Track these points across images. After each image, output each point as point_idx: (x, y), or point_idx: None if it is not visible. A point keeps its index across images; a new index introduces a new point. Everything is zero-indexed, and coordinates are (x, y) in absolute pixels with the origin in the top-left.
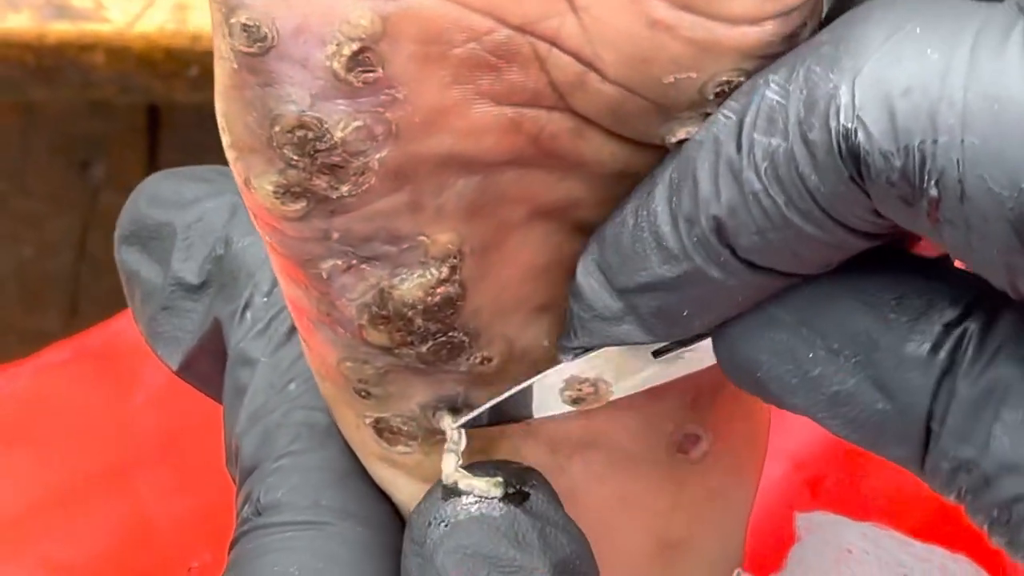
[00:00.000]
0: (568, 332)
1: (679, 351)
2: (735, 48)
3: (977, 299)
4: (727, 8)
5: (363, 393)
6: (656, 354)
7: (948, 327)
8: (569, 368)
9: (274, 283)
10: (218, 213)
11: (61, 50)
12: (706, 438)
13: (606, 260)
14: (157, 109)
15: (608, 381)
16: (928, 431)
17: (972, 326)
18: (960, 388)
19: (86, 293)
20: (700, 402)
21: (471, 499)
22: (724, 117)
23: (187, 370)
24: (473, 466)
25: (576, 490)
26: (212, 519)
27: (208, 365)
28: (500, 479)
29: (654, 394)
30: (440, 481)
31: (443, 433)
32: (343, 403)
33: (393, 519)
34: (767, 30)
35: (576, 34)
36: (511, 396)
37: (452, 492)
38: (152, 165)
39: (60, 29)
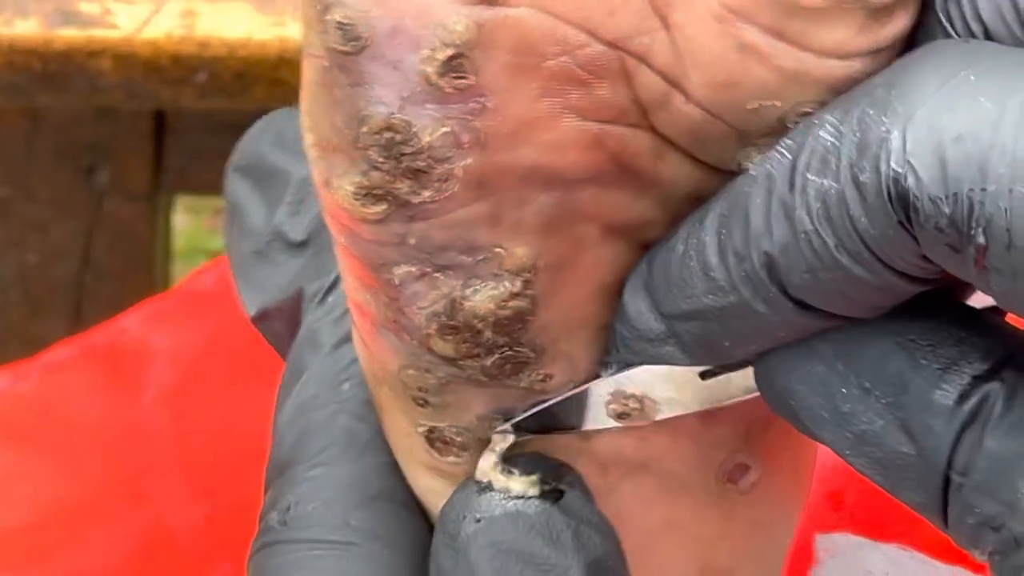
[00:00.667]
0: (611, 349)
1: (726, 375)
2: (822, 80)
3: (1011, 355)
4: (819, 40)
5: (421, 402)
6: (703, 376)
7: (977, 379)
8: (615, 381)
9: None
10: None
11: (68, 56)
12: (755, 469)
13: (654, 282)
14: (163, 115)
15: (654, 399)
16: (947, 480)
17: (1006, 379)
18: (988, 442)
19: (90, 299)
20: (752, 433)
21: (507, 494)
22: (779, 155)
23: (261, 321)
24: (510, 459)
25: (624, 512)
26: (231, 527)
27: (282, 326)
28: (536, 478)
29: (707, 422)
30: (471, 475)
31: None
32: (398, 410)
33: (420, 543)
34: (854, 66)
35: (666, 52)
36: (559, 403)
37: (487, 487)
38: (158, 172)
39: (67, 35)
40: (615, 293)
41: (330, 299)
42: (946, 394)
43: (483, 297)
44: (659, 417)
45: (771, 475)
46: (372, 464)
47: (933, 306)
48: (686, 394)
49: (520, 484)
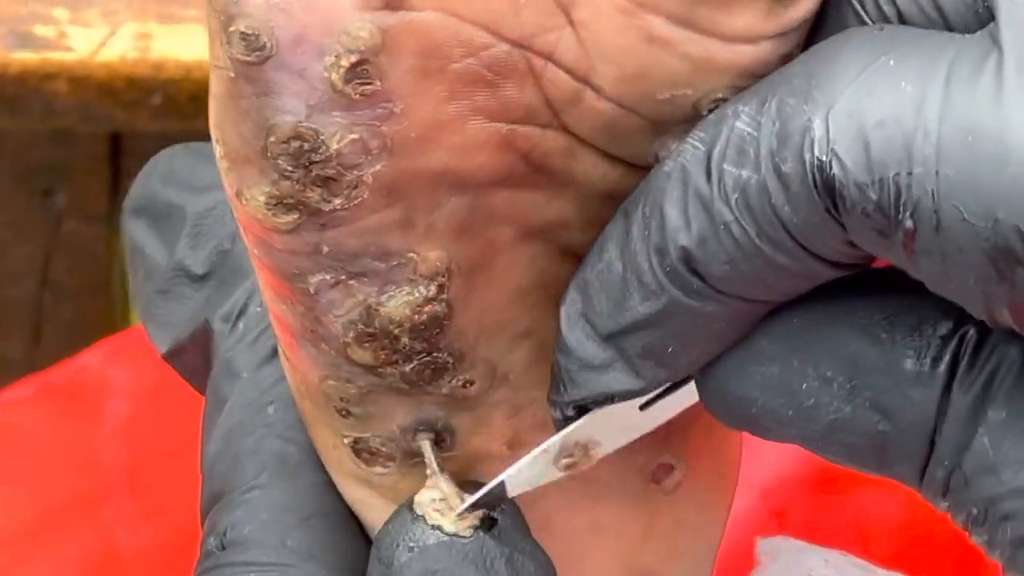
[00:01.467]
0: (557, 386)
1: (662, 400)
2: (731, 66)
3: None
4: (726, 26)
5: (344, 413)
6: (642, 407)
7: (944, 339)
8: (562, 436)
9: None
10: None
11: (23, 79)
12: (679, 468)
13: (591, 307)
14: (119, 137)
15: (598, 440)
16: (932, 445)
17: (969, 332)
18: (955, 396)
19: (49, 321)
20: (674, 433)
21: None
22: (692, 147)
23: (174, 358)
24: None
25: (551, 518)
26: (180, 551)
27: (195, 358)
28: (469, 519)
29: None
30: (409, 501)
31: (421, 456)
32: (322, 422)
33: (357, 561)
34: (763, 49)
35: (573, 49)
36: (508, 476)
37: (422, 517)
38: (114, 194)
39: (22, 58)
40: (533, 297)
41: (240, 324)
42: (917, 361)
43: (398, 303)
44: (601, 455)
45: (695, 474)
46: (306, 484)
47: (872, 281)
48: (627, 428)
49: (453, 525)
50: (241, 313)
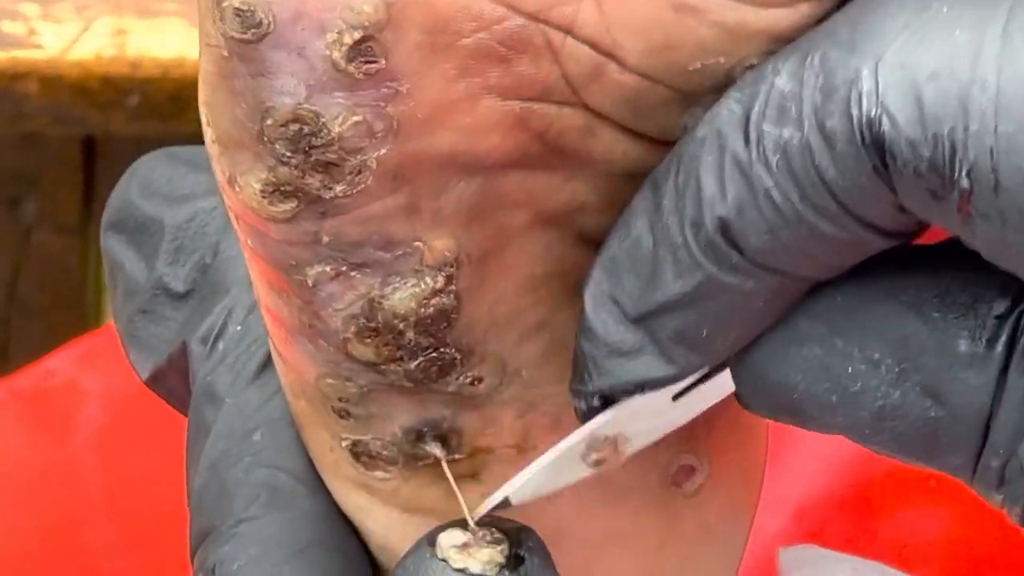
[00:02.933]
0: (581, 375)
1: (697, 388)
2: (766, 31)
3: None
4: None
5: (343, 413)
6: (675, 397)
7: (1000, 318)
8: (591, 428)
9: (250, 309)
10: (213, 216)
11: None
12: (701, 470)
13: (619, 287)
14: (93, 142)
15: (628, 436)
16: (987, 432)
17: None
18: (1012, 379)
19: (18, 337)
20: (696, 431)
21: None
22: (728, 110)
23: (156, 382)
24: (464, 521)
25: (563, 525)
26: None
27: (177, 382)
28: (496, 558)
29: None
30: (428, 536)
31: (425, 459)
32: (318, 424)
33: None
34: (801, 12)
35: (594, 21)
36: (535, 475)
37: (443, 559)
38: (88, 202)
39: None
40: (547, 286)
41: (220, 345)
42: (972, 342)
43: (404, 295)
44: (632, 451)
45: (718, 476)
46: (299, 514)
47: (921, 255)
48: (658, 421)
49: (480, 564)
50: (220, 334)
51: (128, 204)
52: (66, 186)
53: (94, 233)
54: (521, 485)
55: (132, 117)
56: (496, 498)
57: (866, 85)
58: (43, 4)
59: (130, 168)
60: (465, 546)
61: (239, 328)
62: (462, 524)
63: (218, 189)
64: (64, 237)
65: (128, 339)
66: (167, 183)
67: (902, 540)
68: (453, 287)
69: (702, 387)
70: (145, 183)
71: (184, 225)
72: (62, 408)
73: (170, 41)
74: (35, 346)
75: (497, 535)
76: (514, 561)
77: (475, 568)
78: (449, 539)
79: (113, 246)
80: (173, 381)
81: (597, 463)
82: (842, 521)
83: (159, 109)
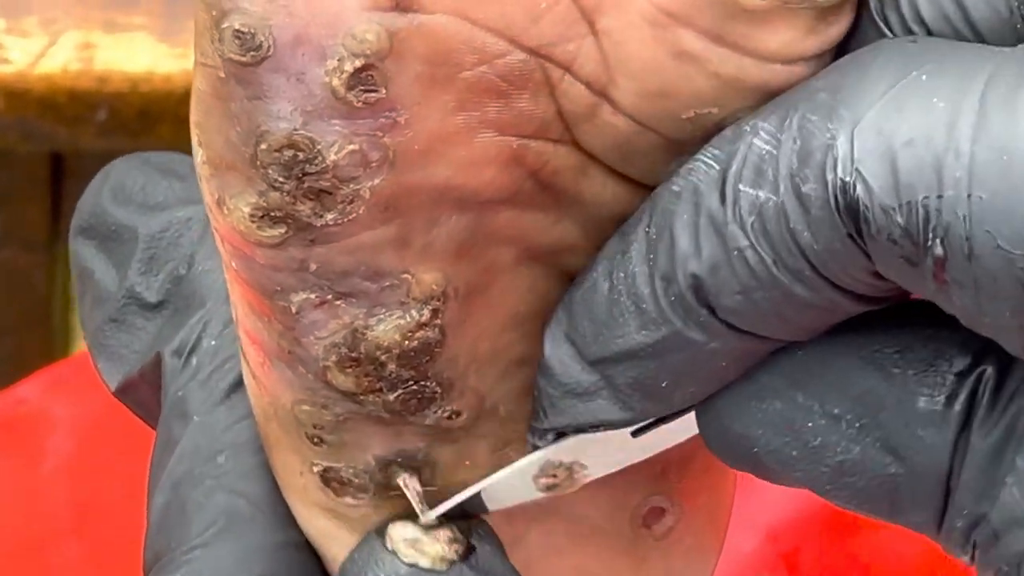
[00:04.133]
0: (537, 413)
1: (658, 428)
2: (762, 86)
3: (989, 343)
4: (762, 43)
5: (315, 440)
6: (634, 434)
7: (961, 376)
8: (546, 453)
9: (226, 324)
10: (188, 227)
11: None
12: (672, 512)
13: (577, 329)
14: (61, 158)
15: (584, 464)
16: (948, 491)
17: (988, 371)
18: (975, 440)
19: None
20: (668, 473)
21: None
22: (705, 165)
23: (125, 394)
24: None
25: (532, 563)
26: None
27: (148, 394)
28: (447, 551)
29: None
30: (379, 529)
31: (396, 489)
32: (288, 448)
33: None
34: (797, 70)
35: (593, 61)
36: (483, 488)
37: (393, 551)
38: (55, 219)
39: None
40: (531, 323)
41: (193, 360)
42: (931, 399)
43: (388, 327)
44: (587, 480)
45: (688, 519)
46: (255, 544)
47: (885, 312)
48: (617, 453)
49: (430, 559)
50: (194, 348)
51: (100, 210)
52: (33, 203)
53: (62, 250)
54: (470, 496)
55: (100, 132)
56: (446, 507)
57: (842, 150)
58: (9, 17)
59: (102, 171)
60: (416, 540)
61: (214, 343)
62: (413, 518)
63: (194, 199)
64: (31, 254)
65: (96, 348)
66: (140, 191)
67: (876, 562)
68: (439, 321)
69: (664, 427)
70: (118, 189)
71: (158, 235)
72: (31, 437)
73: (138, 55)
74: (2, 362)
75: (446, 529)
76: (465, 550)
77: (425, 563)
78: (400, 532)
79: (83, 252)
80: (144, 393)
81: (549, 487)
82: (816, 543)
83: (128, 124)
